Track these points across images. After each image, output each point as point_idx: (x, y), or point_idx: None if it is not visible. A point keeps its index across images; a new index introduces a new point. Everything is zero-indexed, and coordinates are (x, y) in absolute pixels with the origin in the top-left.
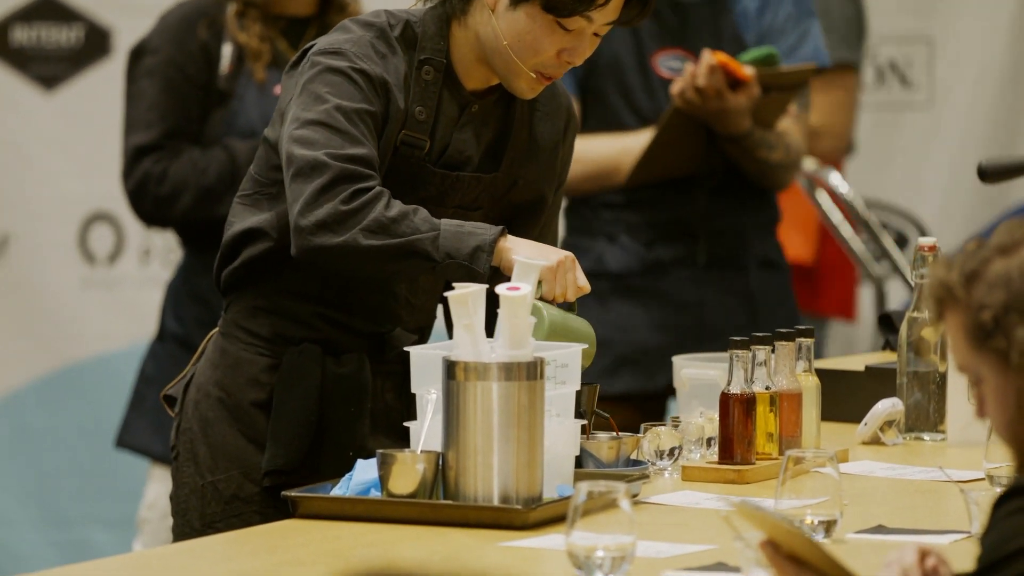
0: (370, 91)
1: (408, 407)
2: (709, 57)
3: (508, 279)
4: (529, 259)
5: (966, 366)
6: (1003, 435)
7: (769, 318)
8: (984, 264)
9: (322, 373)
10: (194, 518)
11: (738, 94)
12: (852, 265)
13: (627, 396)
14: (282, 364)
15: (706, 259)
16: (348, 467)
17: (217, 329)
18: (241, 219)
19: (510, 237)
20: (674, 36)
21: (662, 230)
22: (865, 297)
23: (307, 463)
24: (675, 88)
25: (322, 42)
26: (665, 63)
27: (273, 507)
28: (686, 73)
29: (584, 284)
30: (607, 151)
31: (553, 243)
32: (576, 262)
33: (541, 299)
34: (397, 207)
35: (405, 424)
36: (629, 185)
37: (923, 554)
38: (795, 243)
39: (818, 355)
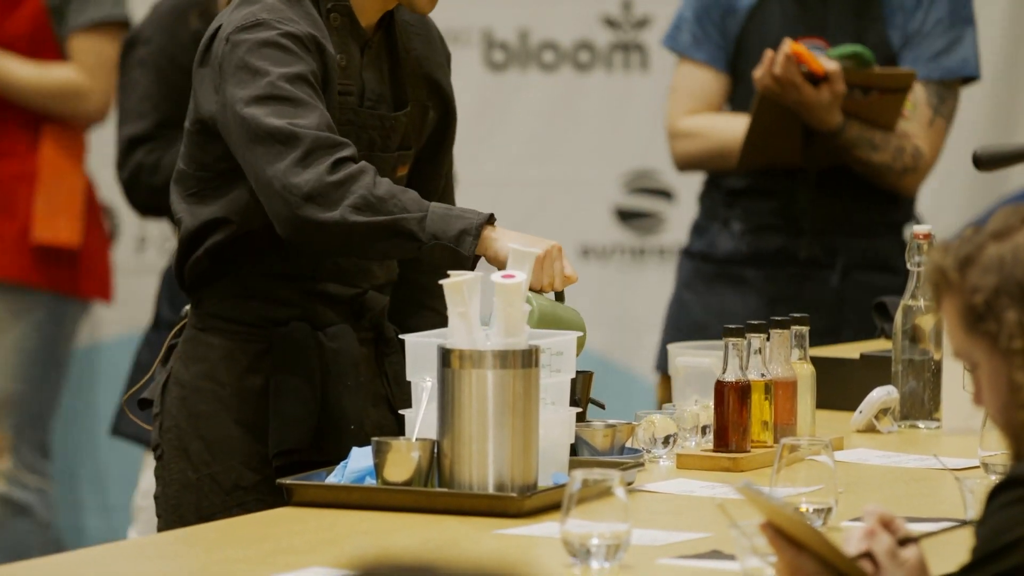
0: (304, 52)
1: (383, 371)
2: (786, 47)
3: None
4: (524, 247)
5: (961, 352)
6: (997, 420)
7: (855, 323)
8: (979, 249)
9: (318, 349)
10: (189, 512)
11: (820, 89)
12: (107, 246)
13: None
14: (274, 346)
15: (807, 255)
16: (352, 441)
17: (185, 326)
18: (193, 215)
19: (497, 226)
20: (816, 24)
21: (770, 221)
22: None
23: (312, 442)
24: (756, 73)
25: (233, 20)
26: None
27: (274, 494)
28: (764, 59)
29: (572, 274)
30: (726, 131)
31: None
32: (563, 251)
33: (530, 289)
34: (385, 185)
35: (401, 412)
36: (738, 170)
37: (879, 519)
38: (59, 227)
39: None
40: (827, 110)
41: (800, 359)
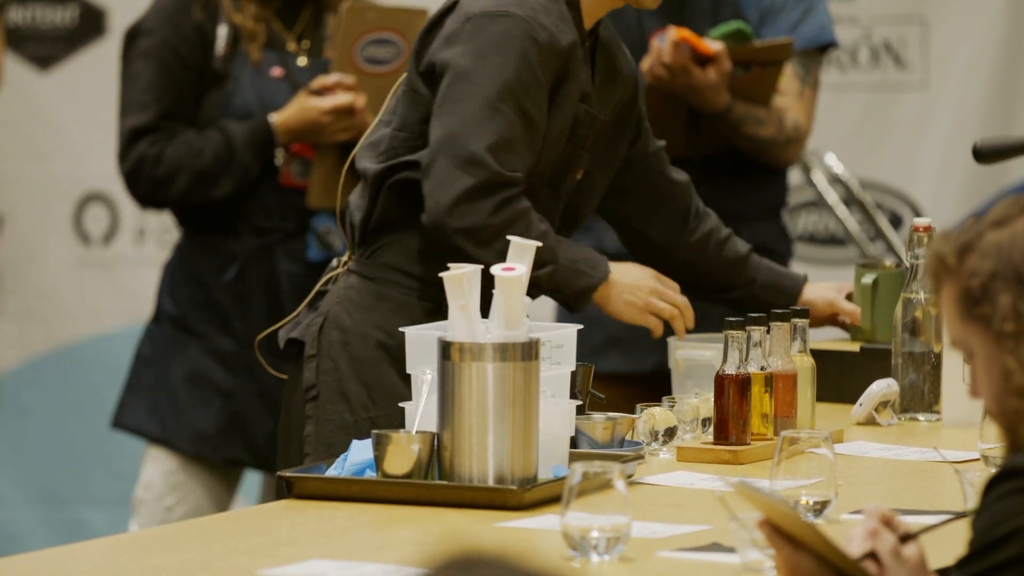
0: (541, 64)
1: None
2: (673, 33)
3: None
4: (524, 240)
5: (958, 340)
6: (991, 409)
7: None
8: (978, 237)
9: None
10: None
11: (707, 70)
12: None
13: (614, 376)
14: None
15: None
16: None
17: (341, 275)
18: (380, 162)
19: (612, 276)
20: (673, 15)
21: None
22: None
23: None
24: (644, 65)
25: (478, 3)
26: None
27: None
28: (652, 50)
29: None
30: None
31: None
32: (658, 278)
33: None
34: (534, 233)
35: (401, 404)
36: None
37: (881, 518)
38: None
39: None
40: (715, 91)
41: (800, 352)
